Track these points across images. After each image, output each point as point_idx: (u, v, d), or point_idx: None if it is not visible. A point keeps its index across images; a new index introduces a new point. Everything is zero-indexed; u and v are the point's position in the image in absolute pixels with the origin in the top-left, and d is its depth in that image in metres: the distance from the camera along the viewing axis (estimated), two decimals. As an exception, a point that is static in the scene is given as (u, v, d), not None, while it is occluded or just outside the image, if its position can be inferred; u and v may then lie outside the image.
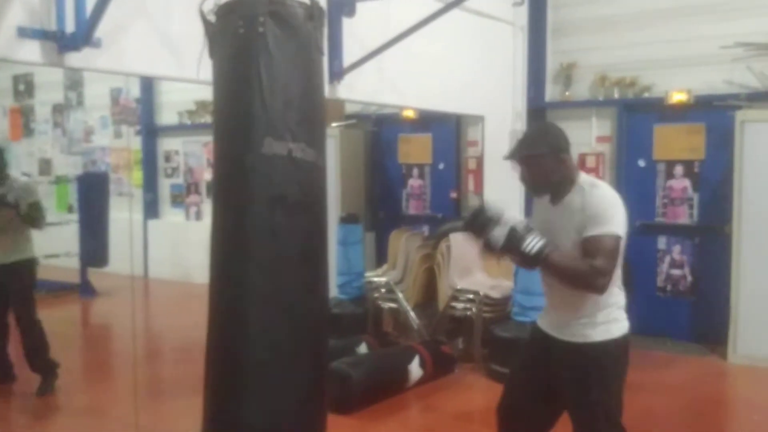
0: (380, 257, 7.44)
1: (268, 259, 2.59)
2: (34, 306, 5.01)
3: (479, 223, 2.57)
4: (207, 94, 8.59)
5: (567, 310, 2.79)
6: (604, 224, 2.58)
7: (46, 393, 5.00)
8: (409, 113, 7.65)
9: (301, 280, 2.65)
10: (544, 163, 2.70)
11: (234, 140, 2.62)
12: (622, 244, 2.65)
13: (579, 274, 2.58)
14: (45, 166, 11.30)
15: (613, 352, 2.85)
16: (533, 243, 2.52)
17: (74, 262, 8.77)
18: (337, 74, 4.91)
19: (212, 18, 2.65)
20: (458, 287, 5.93)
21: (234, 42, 2.58)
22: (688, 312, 6.67)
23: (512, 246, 2.53)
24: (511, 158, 2.77)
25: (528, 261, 2.56)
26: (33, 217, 4.77)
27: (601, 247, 2.56)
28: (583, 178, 2.75)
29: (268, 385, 2.64)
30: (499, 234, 2.53)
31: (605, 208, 2.62)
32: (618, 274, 2.76)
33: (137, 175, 10.35)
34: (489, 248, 2.56)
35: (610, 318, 2.81)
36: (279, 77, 2.55)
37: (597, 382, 2.80)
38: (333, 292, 6.39)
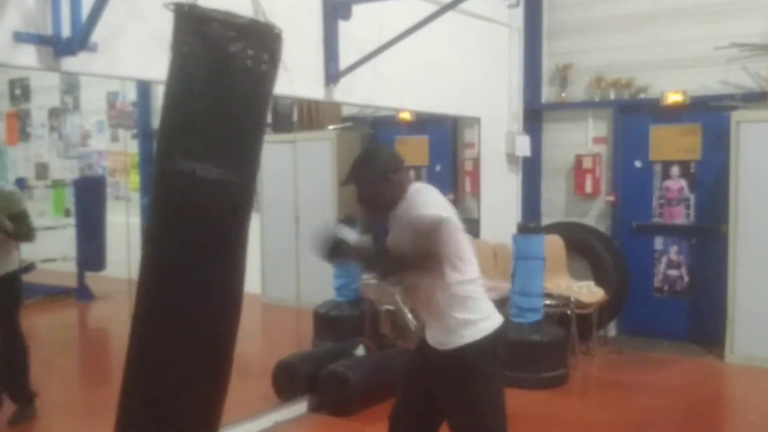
0: (377, 259, 7.43)
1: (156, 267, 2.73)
2: (18, 322, 4.59)
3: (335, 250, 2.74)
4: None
5: (429, 319, 2.90)
6: (423, 209, 2.72)
7: (19, 423, 4.57)
8: (406, 115, 7.64)
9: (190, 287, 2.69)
10: (374, 186, 2.83)
11: (157, 150, 2.76)
12: (450, 228, 2.73)
13: (406, 258, 2.72)
14: (41, 170, 11.25)
15: (477, 356, 2.79)
16: (354, 237, 2.72)
17: (71, 266, 8.73)
18: (332, 77, 4.91)
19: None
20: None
21: (175, 57, 2.67)
22: (685, 312, 6.68)
23: (330, 253, 2.72)
24: (343, 186, 2.93)
25: (369, 261, 2.79)
26: (20, 234, 4.48)
27: (420, 228, 2.68)
28: (412, 187, 2.87)
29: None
30: (318, 241, 2.72)
31: (424, 200, 2.77)
32: (471, 261, 2.83)
33: (134, 178, 10.32)
34: (317, 252, 2.74)
35: (468, 319, 2.78)
36: (189, 98, 2.62)
37: (464, 390, 2.80)
38: (330, 294, 6.39)
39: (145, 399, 2.75)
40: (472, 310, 2.78)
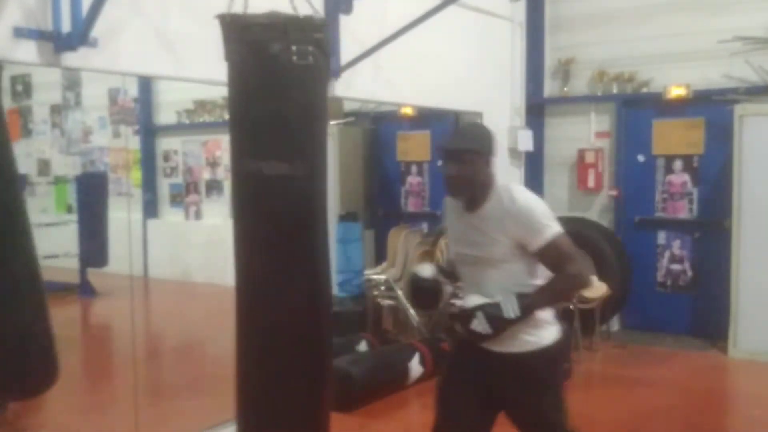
0: (379, 255, 7.43)
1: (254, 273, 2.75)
2: None
3: (459, 320, 2.67)
4: (206, 93, 8.53)
5: None
6: (546, 228, 2.61)
7: None
8: (408, 110, 7.64)
9: (281, 297, 2.71)
10: (476, 161, 2.69)
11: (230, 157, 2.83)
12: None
13: (566, 291, 2.72)
14: (43, 166, 11.27)
15: (550, 359, 2.79)
16: (509, 308, 2.59)
17: (73, 263, 8.75)
18: (334, 72, 4.89)
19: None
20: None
21: (229, 67, 2.70)
22: (689, 307, 6.67)
23: (500, 326, 2.60)
24: (448, 149, 2.76)
25: (516, 322, 2.62)
26: None
27: (560, 252, 2.61)
28: (499, 184, 2.74)
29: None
30: (479, 323, 2.61)
31: (538, 211, 2.63)
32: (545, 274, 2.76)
33: (136, 174, 10.34)
34: (480, 338, 2.64)
35: (542, 324, 2.74)
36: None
37: (537, 391, 2.76)
38: (332, 290, 6.38)
39: (252, 399, 2.81)
40: (546, 313, 2.75)
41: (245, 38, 2.63)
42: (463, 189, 2.73)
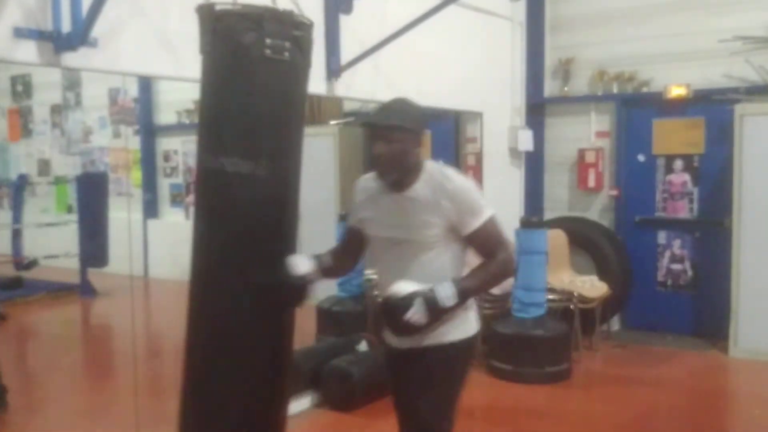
0: (380, 255, 7.43)
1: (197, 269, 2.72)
2: None
3: (392, 313, 2.43)
4: (205, 92, 8.44)
5: None
6: (479, 211, 2.51)
7: None
8: (408, 110, 7.62)
9: (226, 287, 2.66)
10: (406, 140, 2.50)
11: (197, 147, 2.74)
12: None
13: (497, 276, 2.55)
14: (44, 166, 11.28)
15: (464, 351, 2.66)
16: (445, 295, 2.40)
17: (74, 263, 8.75)
18: (334, 72, 4.89)
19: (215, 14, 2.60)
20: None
21: (203, 59, 2.62)
22: (689, 306, 6.67)
23: (436, 313, 2.40)
24: (376, 126, 2.54)
25: (450, 310, 2.44)
26: None
27: (494, 235, 2.52)
28: (430, 164, 2.58)
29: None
30: (417, 312, 2.37)
31: (475, 193, 2.55)
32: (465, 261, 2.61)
33: (136, 174, 10.33)
34: (414, 329, 2.43)
35: (461, 314, 2.58)
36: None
37: (429, 385, 2.58)
38: (333, 290, 6.38)
39: (198, 399, 2.83)
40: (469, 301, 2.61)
41: (218, 28, 2.53)
42: (392, 169, 2.53)
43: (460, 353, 2.61)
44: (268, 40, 2.50)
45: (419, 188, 2.53)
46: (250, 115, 2.56)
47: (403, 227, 2.54)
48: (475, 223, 2.49)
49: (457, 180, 2.53)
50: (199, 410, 2.80)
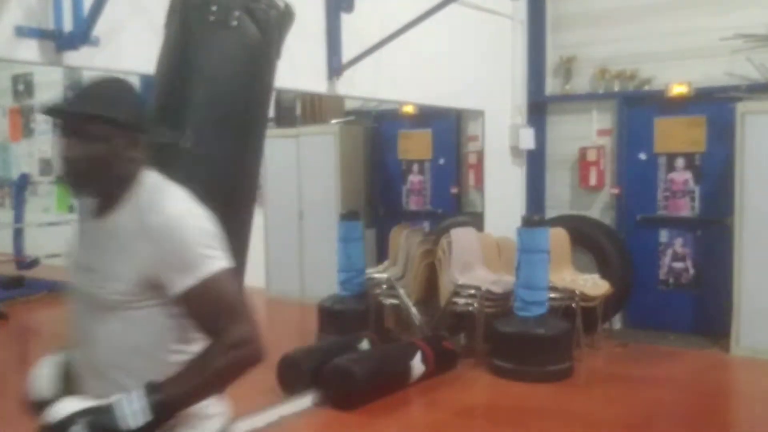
0: (381, 254, 7.43)
1: None
2: None
3: None
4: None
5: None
6: (203, 260, 1.63)
7: None
8: (409, 109, 7.63)
9: None
10: (111, 137, 1.66)
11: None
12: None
13: (227, 372, 1.64)
14: (45, 166, 11.28)
15: None
16: (130, 412, 1.55)
17: (75, 262, 8.76)
18: (336, 70, 4.90)
19: None
20: (460, 283, 5.92)
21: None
22: (691, 305, 6.66)
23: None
24: (66, 114, 1.71)
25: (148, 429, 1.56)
26: None
27: (219, 301, 1.64)
28: (150, 180, 1.74)
29: None
30: None
31: (194, 232, 1.65)
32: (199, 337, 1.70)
33: (137, 174, 10.33)
34: None
35: (195, 419, 1.72)
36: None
37: None
38: (334, 288, 6.39)
39: None
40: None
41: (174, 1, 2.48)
42: (86, 180, 1.70)
43: None
44: (213, 7, 2.40)
45: (124, 215, 1.70)
46: (186, 84, 2.41)
47: (91, 275, 1.72)
48: (185, 281, 1.62)
49: (171, 209, 1.67)
50: None
